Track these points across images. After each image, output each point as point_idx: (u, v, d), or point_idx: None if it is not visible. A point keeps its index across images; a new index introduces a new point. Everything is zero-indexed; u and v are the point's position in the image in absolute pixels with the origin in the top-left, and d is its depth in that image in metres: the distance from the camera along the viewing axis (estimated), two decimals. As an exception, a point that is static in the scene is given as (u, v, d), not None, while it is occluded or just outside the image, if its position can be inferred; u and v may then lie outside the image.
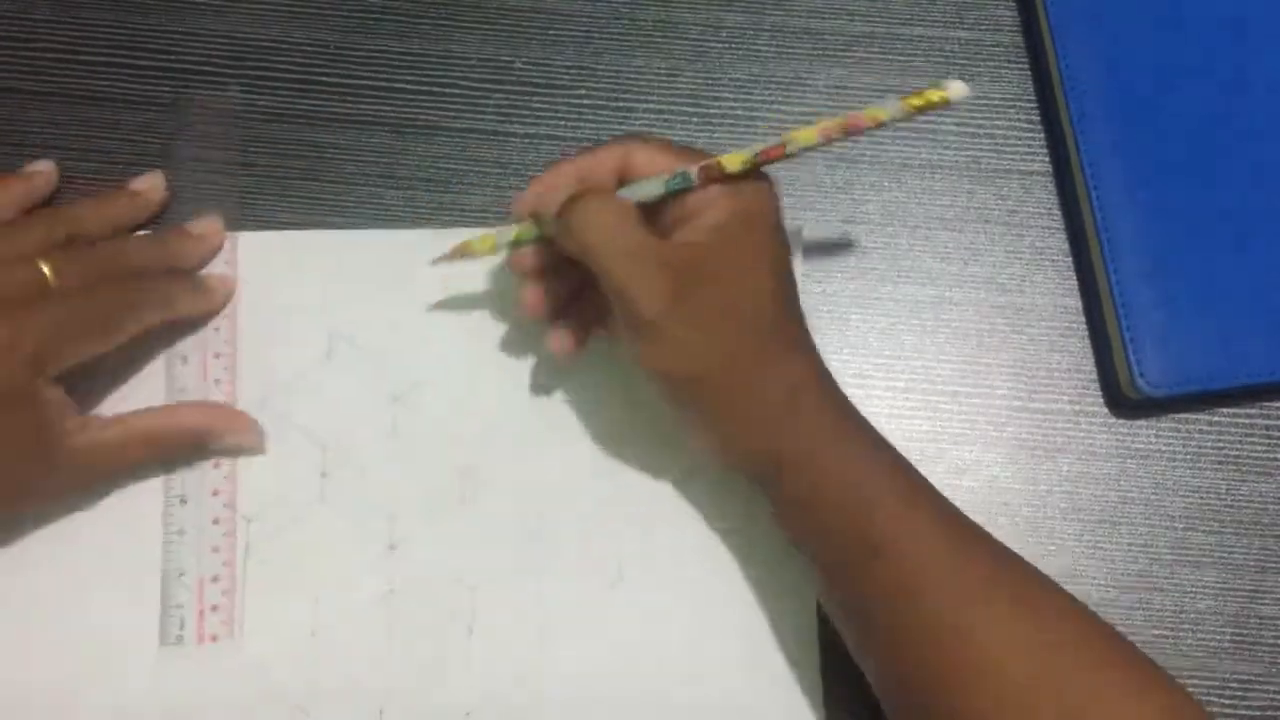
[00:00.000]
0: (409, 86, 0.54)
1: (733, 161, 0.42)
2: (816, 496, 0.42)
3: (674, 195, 0.43)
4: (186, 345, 0.50)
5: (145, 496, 0.49)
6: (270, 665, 0.47)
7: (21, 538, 0.48)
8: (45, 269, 0.47)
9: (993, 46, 0.55)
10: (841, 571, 0.42)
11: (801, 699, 0.47)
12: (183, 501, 0.49)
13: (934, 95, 0.40)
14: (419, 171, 0.53)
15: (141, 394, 0.49)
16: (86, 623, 0.47)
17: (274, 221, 0.52)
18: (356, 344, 0.50)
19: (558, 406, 0.50)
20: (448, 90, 0.54)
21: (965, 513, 0.43)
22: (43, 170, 0.52)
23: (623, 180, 0.44)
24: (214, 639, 0.47)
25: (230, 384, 0.50)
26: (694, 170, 0.42)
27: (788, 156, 0.42)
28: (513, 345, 0.50)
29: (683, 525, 0.49)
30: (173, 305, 0.49)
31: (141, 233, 0.51)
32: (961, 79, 0.40)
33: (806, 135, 0.42)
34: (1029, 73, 0.55)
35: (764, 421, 0.43)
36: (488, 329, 0.51)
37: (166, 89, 0.53)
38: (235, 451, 0.49)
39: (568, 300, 0.48)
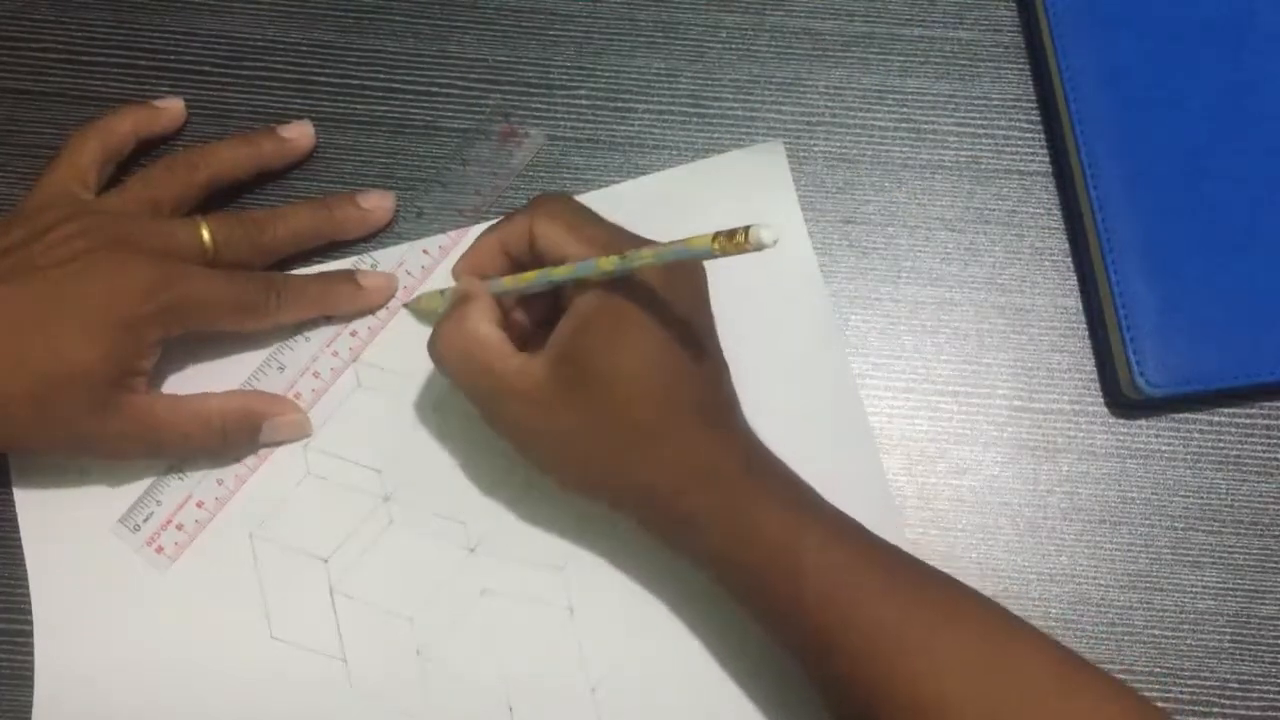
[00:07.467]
0: (406, 86, 0.54)
1: (608, 263, 0.41)
2: (734, 575, 0.42)
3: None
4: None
5: None
6: (384, 691, 0.46)
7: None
8: (204, 233, 0.46)
9: (993, 46, 0.55)
10: (795, 655, 0.42)
11: None
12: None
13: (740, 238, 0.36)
14: (418, 171, 0.53)
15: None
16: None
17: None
18: (382, 366, 0.50)
19: None
20: (446, 90, 0.54)
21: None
22: (169, 107, 0.51)
23: (533, 249, 0.44)
24: (160, 550, 0.47)
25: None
26: (560, 273, 0.42)
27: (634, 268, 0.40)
28: None
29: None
30: (329, 305, 0.49)
31: (307, 201, 0.51)
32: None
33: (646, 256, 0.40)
34: (1029, 73, 0.54)
35: (665, 507, 0.43)
36: None
37: (165, 89, 0.53)
38: (285, 439, 0.49)
39: (534, 327, 0.47)
